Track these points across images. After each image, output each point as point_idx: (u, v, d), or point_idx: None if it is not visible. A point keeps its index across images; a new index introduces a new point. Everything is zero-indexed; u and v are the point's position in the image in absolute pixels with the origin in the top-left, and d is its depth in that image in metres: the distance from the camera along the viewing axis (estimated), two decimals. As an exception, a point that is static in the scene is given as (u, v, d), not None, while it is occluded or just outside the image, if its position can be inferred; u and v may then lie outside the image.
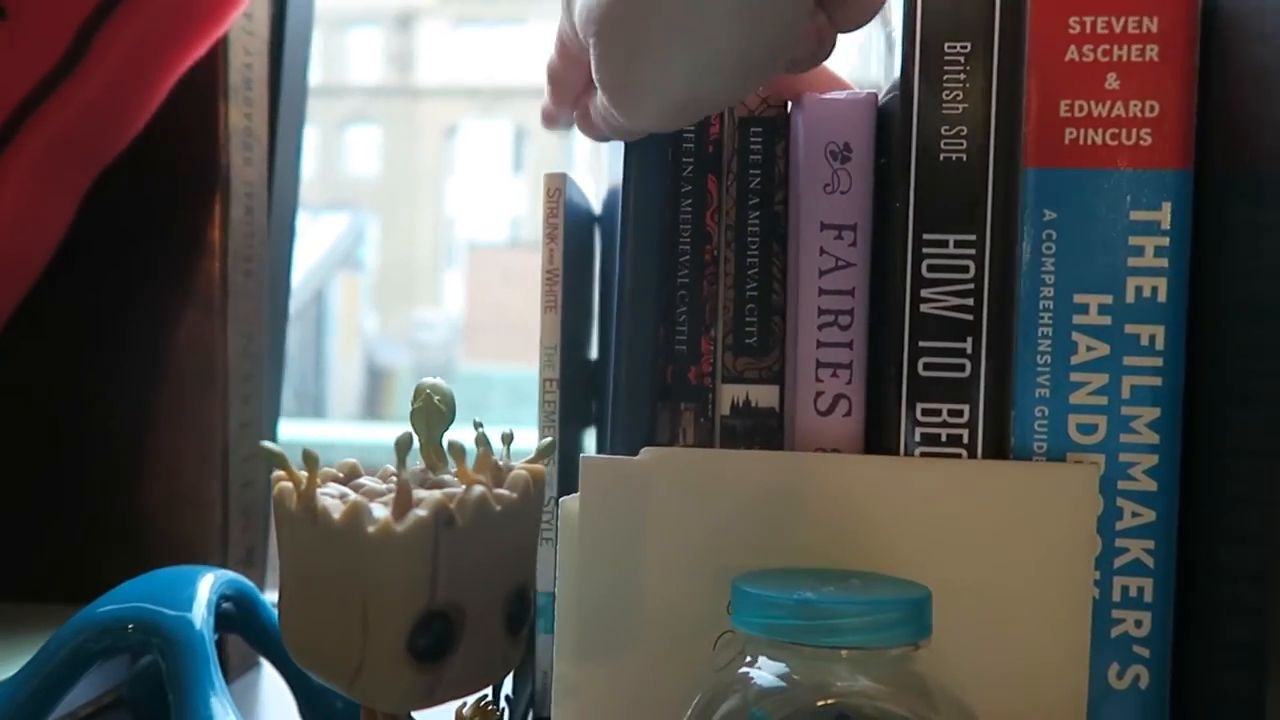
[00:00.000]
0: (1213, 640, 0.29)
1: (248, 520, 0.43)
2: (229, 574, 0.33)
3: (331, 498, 0.24)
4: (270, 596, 0.38)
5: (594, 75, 0.28)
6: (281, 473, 0.24)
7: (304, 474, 0.24)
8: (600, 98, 0.29)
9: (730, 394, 0.33)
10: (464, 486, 0.24)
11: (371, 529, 0.22)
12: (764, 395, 0.33)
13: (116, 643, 0.29)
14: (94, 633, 0.29)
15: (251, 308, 0.42)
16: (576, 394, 0.39)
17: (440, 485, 0.26)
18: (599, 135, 0.35)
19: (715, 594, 0.30)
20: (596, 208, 0.43)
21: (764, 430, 0.33)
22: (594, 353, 0.43)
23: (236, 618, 0.33)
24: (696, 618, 0.30)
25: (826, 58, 0.30)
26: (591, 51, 0.28)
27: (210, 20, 0.36)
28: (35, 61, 0.34)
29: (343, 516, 0.23)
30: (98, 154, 0.37)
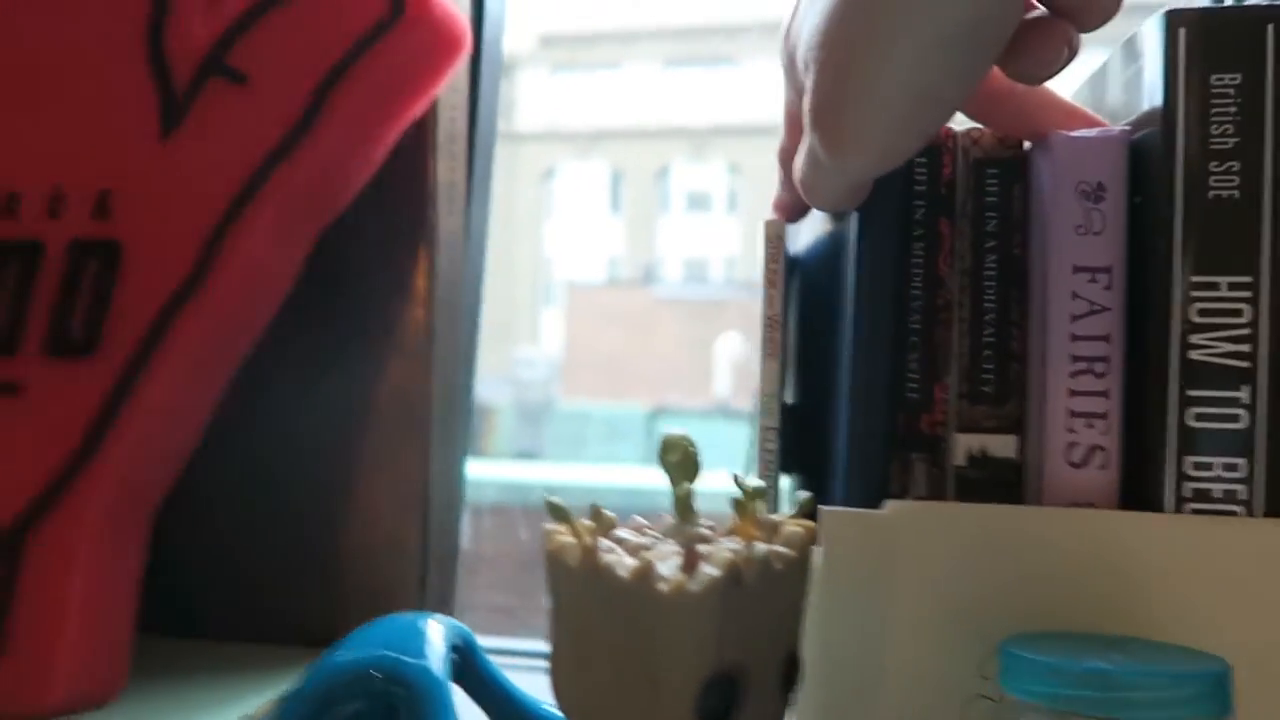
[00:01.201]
0: None
1: (443, 567, 0.43)
2: (455, 622, 0.33)
3: (609, 553, 0.23)
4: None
5: (806, 109, 0.28)
6: (559, 526, 0.24)
7: (585, 528, 0.23)
8: (805, 149, 0.29)
9: (965, 443, 0.32)
10: (742, 543, 0.24)
11: (664, 588, 0.22)
12: (1001, 445, 0.32)
13: (362, 689, 0.29)
14: (343, 680, 0.29)
15: (453, 354, 0.43)
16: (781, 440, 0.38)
17: (703, 540, 0.25)
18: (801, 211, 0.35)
19: (965, 656, 0.29)
20: (796, 252, 0.42)
21: (1002, 482, 0.32)
22: (789, 397, 0.42)
23: (461, 668, 0.33)
24: (944, 680, 0.29)
25: (1066, 64, 0.28)
26: (808, 81, 0.27)
27: (431, 76, 0.37)
28: (275, 123, 0.35)
29: (633, 575, 0.22)
30: (327, 209, 0.38)
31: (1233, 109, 0.28)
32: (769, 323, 0.37)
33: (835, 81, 0.27)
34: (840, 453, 0.33)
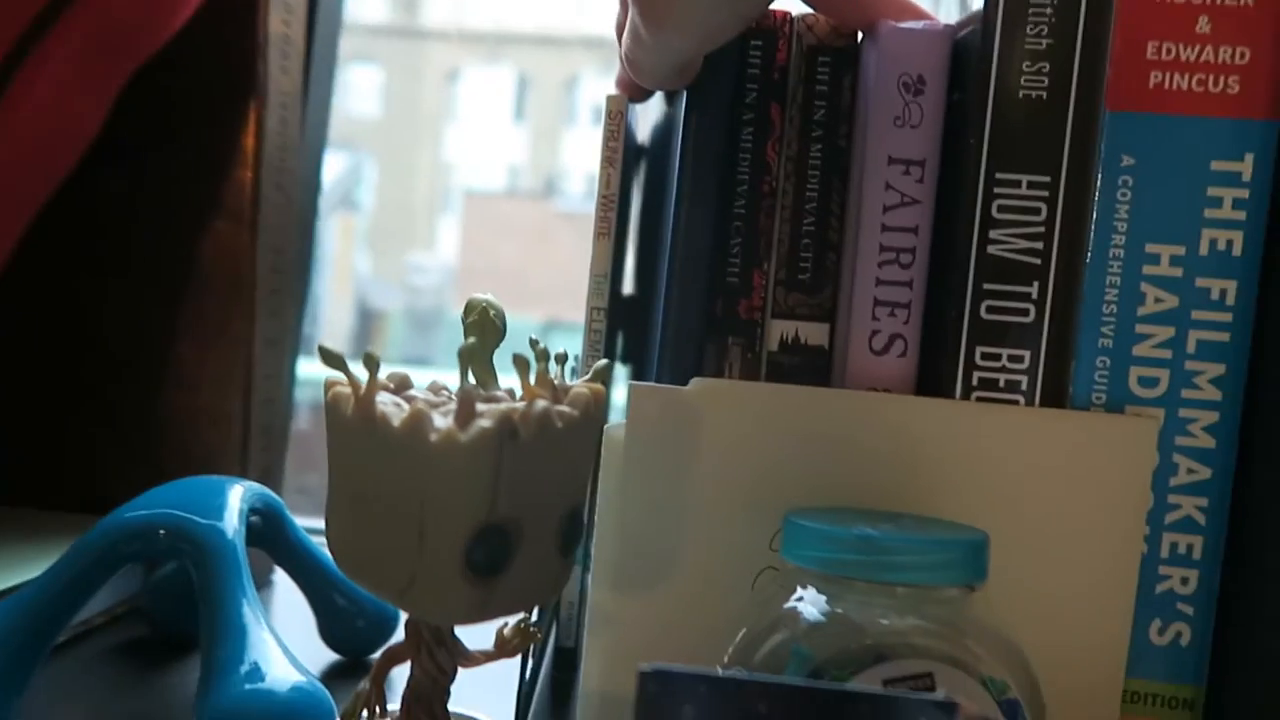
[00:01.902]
0: (1260, 600, 0.28)
1: (268, 439, 0.42)
2: (258, 486, 0.32)
3: (389, 405, 0.23)
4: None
5: None
6: (338, 377, 0.23)
7: (361, 379, 0.23)
8: (629, 25, 0.28)
9: (780, 330, 0.32)
10: (525, 401, 0.24)
11: (434, 437, 0.22)
12: (814, 333, 0.32)
13: (147, 548, 0.29)
14: (124, 536, 0.28)
15: (282, 221, 0.41)
16: (610, 327, 0.38)
17: (494, 400, 0.25)
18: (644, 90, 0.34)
19: (759, 529, 0.30)
20: (643, 138, 0.42)
21: (812, 368, 0.32)
22: (628, 287, 0.42)
23: (263, 531, 0.33)
24: (738, 552, 0.30)
25: None
26: None
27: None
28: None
29: (404, 424, 0.22)
30: (132, 50, 0.36)
31: (1049, 10, 0.29)
32: (603, 202, 0.36)
33: None
34: (658, 333, 0.33)
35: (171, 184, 0.40)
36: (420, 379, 0.26)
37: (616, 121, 0.36)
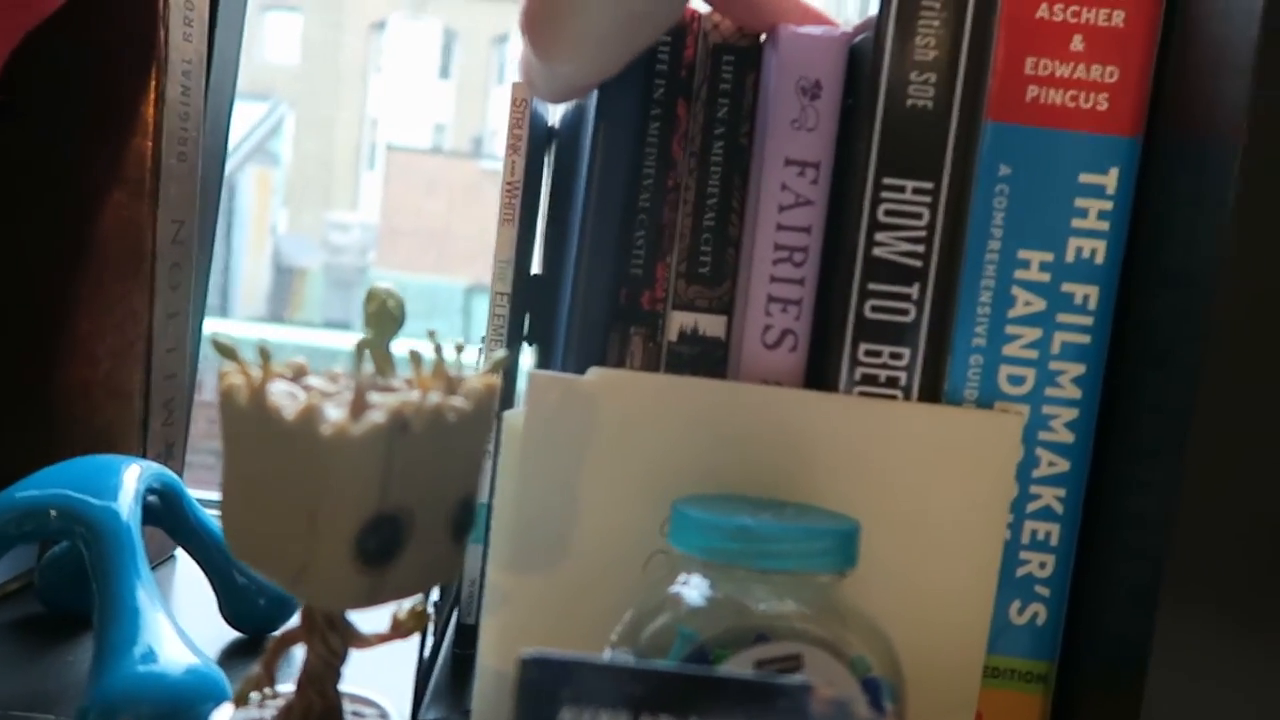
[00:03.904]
0: (1107, 583, 0.31)
1: (169, 414, 0.41)
2: (155, 466, 0.32)
3: (283, 396, 0.23)
4: (190, 492, 0.37)
5: (520, 11, 0.27)
6: (232, 366, 0.23)
7: (255, 369, 0.23)
8: (524, 46, 0.28)
9: (680, 321, 0.34)
10: (418, 393, 0.24)
11: (326, 430, 0.22)
12: (712, 325, 0.34)
13: (39, 528, 0.29)
14: (15, 516, 0.28)
15: (183, 192, 0.40)
16: (518, 309, 0.39)
17: (391, 390, 0.25)
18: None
19: (651, 515, 0.31)
20: (554, 121, 0.42)
21: (709, 359, 0.34)
22: (535, 268, 0.43)
23: (161, 511, 0.33)
24: (630, 537, 0.31)
25: None
26: None
27: None
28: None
29: (296, 416, 0.22)
30: (20, 15, 0.34)
31: (936, 23, 0.30)
32: (508, 189, 0.37)
33: None
34: (564, 320, 0.34)
35: (68, 153, 0.39)
36: (341, 342, 0.26)
37: (521, 110, 0.36)
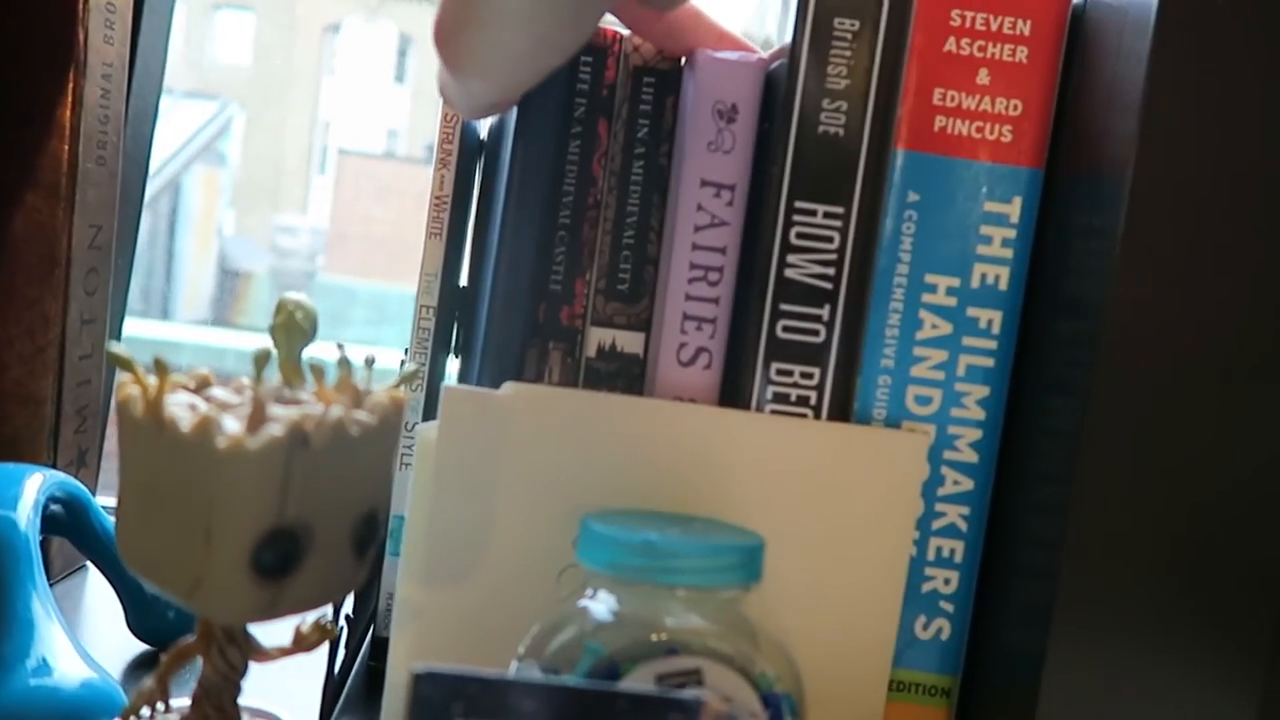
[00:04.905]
0: (1006, 600, 0.32)
1: (82, 421, 0.41)
2: (59, 475, 0.32)
3: (181, 407, 0.23)
4: (104, 501, 0.37)
5: (433, 23, 0.27)
6: (128, 377, 0.23)
7: (153, 380, 0.23)
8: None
9: (598, 337, 0.34)
10: (321, 406, 0.24)
11: (222, 443, 0.22)
12: (630, 341, 0.34)
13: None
14: (-94, 527, 0.28)
15: (101, 197, 0.40)
16: (444, 319, 0.39)
17: (296, 403, 0.25)
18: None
19: (564, 530, 0.31)
20: (484, 133, 0.42)
21: (627, 375, 0.34)
22: (463, 279, 0.43)
23: (65, 521, 0.32)
24: (543, 552, 0.31)
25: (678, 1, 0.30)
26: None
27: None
28: None
29: (192, 429, 0.22)
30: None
31: (848, 53, 0.31)
32: (436, 203, 0.37)
33: (457, 11, 0.26)
34: (481, 335, 0.34)
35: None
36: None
37: (451, 123, 0.36)
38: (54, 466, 0.39)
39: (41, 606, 0.27)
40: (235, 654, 0.25)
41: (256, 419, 0.23)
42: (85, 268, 0.39)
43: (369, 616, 0.39)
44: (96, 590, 0.41)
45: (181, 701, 0.26)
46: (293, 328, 0.26)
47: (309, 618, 0.28)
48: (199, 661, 0.25)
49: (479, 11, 0.26)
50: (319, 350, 0.27)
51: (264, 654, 0.26)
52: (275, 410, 0.24)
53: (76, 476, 0.39)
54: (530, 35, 0.26)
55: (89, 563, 0.43)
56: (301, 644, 0.27)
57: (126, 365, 0.23)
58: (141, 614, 0.35)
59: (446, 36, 0.27)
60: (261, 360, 0.24)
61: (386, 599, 0.38)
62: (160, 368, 0.23)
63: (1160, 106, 0.27)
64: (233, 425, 0.23)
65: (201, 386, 0.25)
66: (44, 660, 0.26)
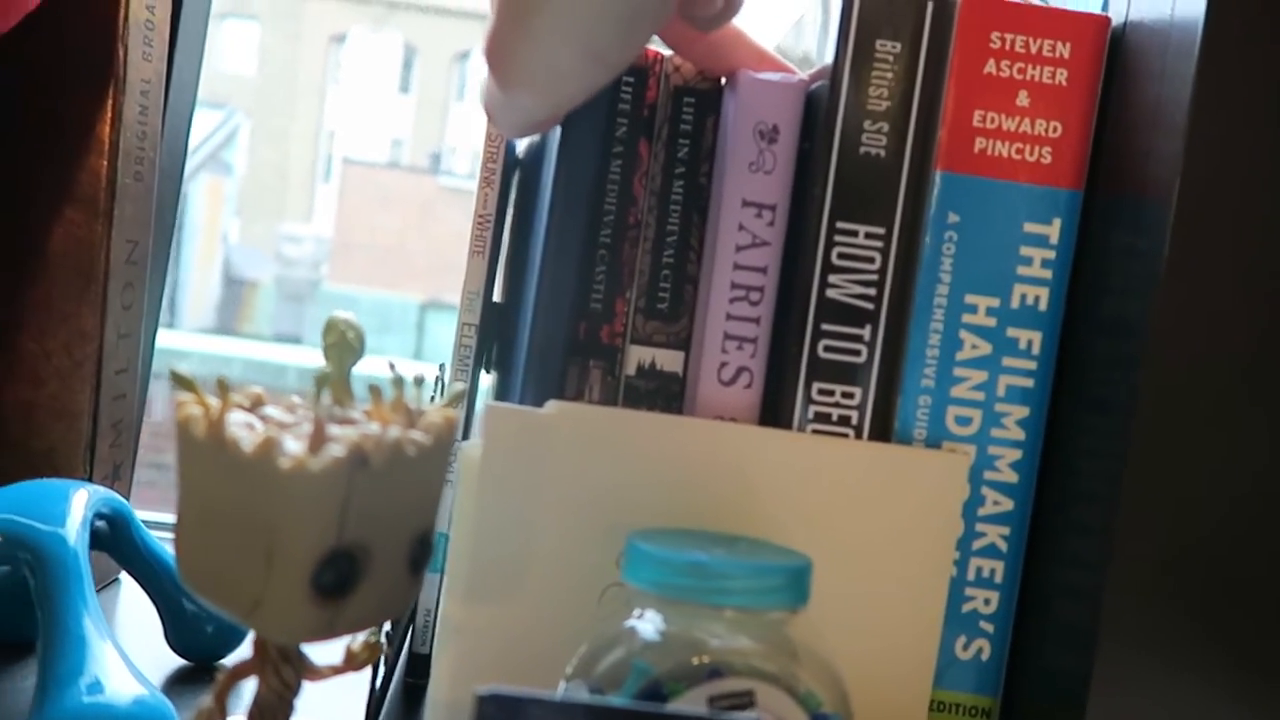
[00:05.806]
0: (1049, 621, 0.32)
1: (117, 435, 0.41)
2: (104, 490, 0.32)
3: (240, 427, 0.23)
4: (138, 515, 0.37)
5: (483, 41, 0.28)
6: (190, 397, 0.23)
7: (214, 400, 0.23)
8: (484, 77, 0.29)
9: (638, 356, 0.34)
10: (377, 426, 0.24)
11: (284, 464, 0.22)
12: (669, 360, 0.34)
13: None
14: (-42, 544, 0.28)
15: (138, 212, 0.40)
16: (481, 337, 0.39)
17: (349, 422, 0.25)
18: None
19: (607, 548, 0.31)
20: (520, 151, 0.43)
21: (666, 394, 0.34)
22: (497, 295, 0.43)
23: (109, 536, 0.32)
24: (586, 570, 0.31)
25: (726, 18, 0.30)
26: (491, 11, 0.28)
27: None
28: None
29: (255, 450, 0.22)
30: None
31: (890, 75, 0.31)
32: (479, 221, 0.37)
33: (511, 26, 0.27)
34: (522, 353, 0.35)
35: (19, 169, 0.38)
36: (291, 356, 0.26)
37: (496, 142, 0.37)
38: (90, 480, 0.39)
39: (93, 623, 0.27)
40: (290, 673, 0.25)
41: (318, 439, 0.23)
42: (122, 282, 0.39)
43: (404, 632, 0.39)
44: (131, 604, 0.41)
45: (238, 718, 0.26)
46: (344, 346, 0.26)
47: (359, 636, 0.28)
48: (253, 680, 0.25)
49: (532, 26, 0.26)
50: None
51: (317, 673, 0.26)
52: (334, 430, 0.24)
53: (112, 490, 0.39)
54: (582, 51, 0.27)
55: (121, 577, 0.43)
56: (352, 662, 0.27)
57: (189, 386, 0.23)
58: (181, 630, 0.35)
59: (499, 51, 0.27)
60: (323, 380, 0.24)
61: (424, 615, 0.38)
62: (223, 388, 0.23)
63: (1206, 128, 0.27)
64: (293, 445, 0.23)
65: (256, 405, 0.26)
66: (96, 678, 0.26)
